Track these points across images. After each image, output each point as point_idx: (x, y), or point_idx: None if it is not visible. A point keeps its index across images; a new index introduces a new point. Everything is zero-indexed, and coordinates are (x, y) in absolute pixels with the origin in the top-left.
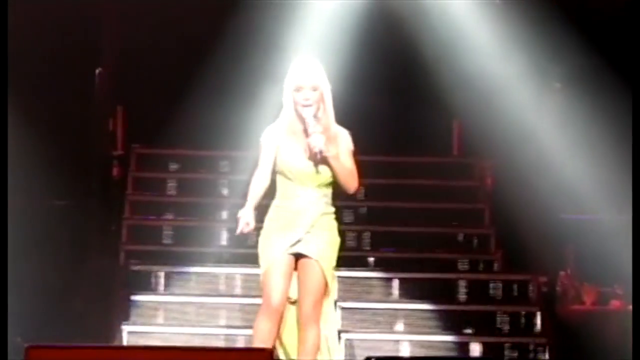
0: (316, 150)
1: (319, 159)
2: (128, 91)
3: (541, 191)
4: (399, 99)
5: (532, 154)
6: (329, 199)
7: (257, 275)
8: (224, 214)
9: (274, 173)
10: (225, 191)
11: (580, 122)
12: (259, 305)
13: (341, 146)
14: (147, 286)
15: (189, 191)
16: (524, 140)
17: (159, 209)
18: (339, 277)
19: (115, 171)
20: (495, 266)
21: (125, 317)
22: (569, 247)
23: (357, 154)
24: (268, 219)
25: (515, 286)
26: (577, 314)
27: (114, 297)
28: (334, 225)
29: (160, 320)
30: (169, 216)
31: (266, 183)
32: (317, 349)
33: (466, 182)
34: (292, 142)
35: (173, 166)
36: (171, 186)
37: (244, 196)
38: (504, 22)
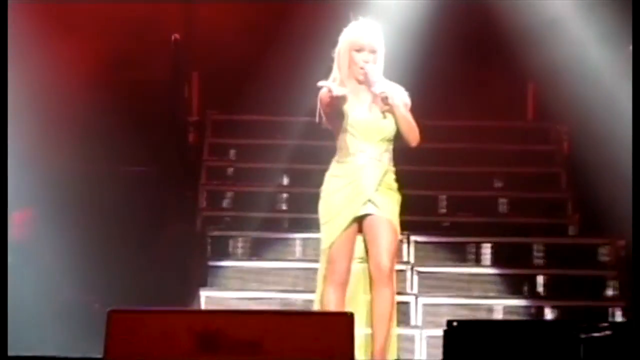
0: (383, 96)
1: (384, 108)
2: (203, 57)
3: (618, 155)
4: (472, 61)
5: (608, 118)
6: (391, 155)
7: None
8: (300, 180)
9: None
10: (300, 158)
11: None
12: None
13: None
14: (225, 252)
15: (264, 157)
16: (600, 103)
17: (234, 175)
18: (415, 241)
19: (191, 137)
20: (573, 230)
21: (203, 282)
22: None
23: (432, 117)
24: (330, 176)
25: (593, 250)
26: None
27: (192, 262)
28: (395, 184)
29: (237, 285)
30: (244, 182)
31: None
32: (395, 310)
33: (542, 146)
34: (354, 95)
35: (248, 133)
36: (246, 152)
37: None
38: None
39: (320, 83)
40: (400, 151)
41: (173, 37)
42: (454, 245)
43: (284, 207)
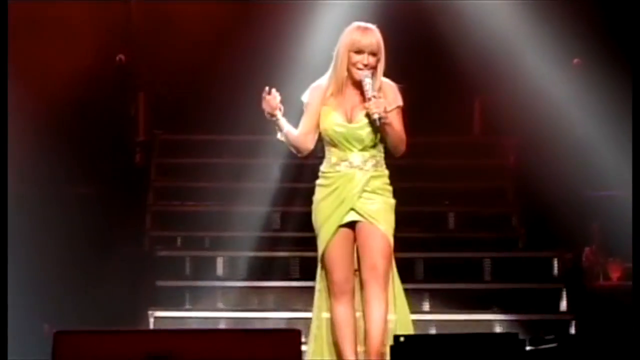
0: (376, 117)
1: (375, 125)
2: (149, 77)
3: (565, 168)
4: (418, 79)
5: (555, 131)
6: (378, 160)
7: (283, 258)
8: (248, 198)
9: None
10: (246, 176)
11: (603, 98)
12: (284, 288)
13: (390, 101)
14: (173, 272)
15: (211, 177)
16: (546, 117)
17: (182, 194)
18: None
19: (138, 157)
20: (520, 244)
21: (151, 302)
22: (594, 223)
23: None
24: (317, 185)
25: (540, 263)
26: (603, 289)
27: (140, 283)
28: (386, 187)
29: (186, 305)
30: (192, 202)
31: (304, 141)
32: (386, 325)
33: (489, 160)
34: (337, 104)
35: (195, 152)
36: (193, 172)
37: (266, 180)
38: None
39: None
40: None
41: (118, 58)
42: (402, 261)
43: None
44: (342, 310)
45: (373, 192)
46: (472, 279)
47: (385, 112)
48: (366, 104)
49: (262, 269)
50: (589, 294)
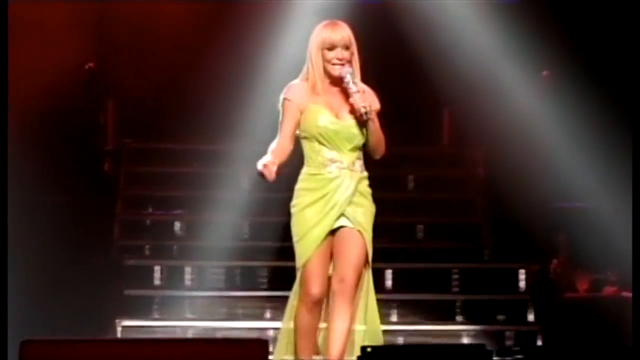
0: (363, 111)
1: (361, 121)
2: (118, 86)
3: (533, 180)
4: (387, 89)
5: (524, 143)
6: (362, 161)
7: (250, 268)
8: (218, 207)
9: (297, 139)
10: (215, 185)
11: (571, 109)
12: (252, 298)
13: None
14: (141, 281)
15: (180, 186)
16: (515, 129)
17: (151, 203)
18: None
19: (106, 166)
20: (488, 255)
21: (119, 311)
22: (561, 235)
23: None
24: (301, 189)
25: (508, 275)
26: (571, 301)
27: (108, 291)
28: (369, 191)
29: (154, 314)
30: (161, 211)
31: (288, 148)
32: (349, 337)
33: (457, 171)
34: (320, 103)
35: (164, 161)
36: (162, 181)
37: (235, 190)
38: (492, 11)
39: (260, 165)
40: None
41: (87, 66)
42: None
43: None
44: (309, 319)
45: (361, 195)
46: (440, 290)
47: (370, 107)
48: (351, 99)
49: (231, 279)
50: (556, 306)
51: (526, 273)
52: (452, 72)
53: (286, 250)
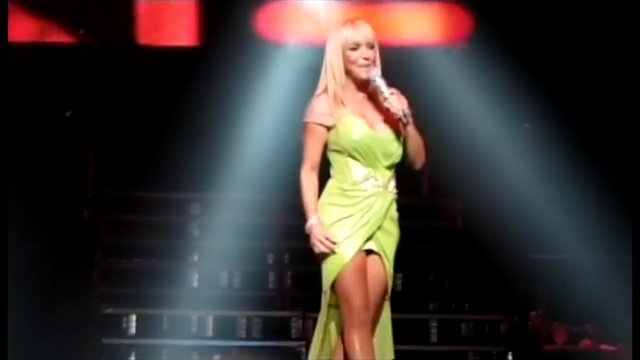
0: (401, 114)
1: (402, 125)
2: (98, 134)
3: (511, 231)
4: None
5: (502, 195)
6: (394, 182)
7: (227, 317)
8: (195, 257)
9: (328, 154)
10: (196, 234)
11: (549, 163)
12: (232, 347)
13: None
14: (120, 329)
15: (160, 234)
16: (494, 181)
17: (130, 252)
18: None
19: (86, 214)
20: (467, 306)
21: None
22: (540, 287)
23: None
24: (329, 204)
25: (487, 326)
26: (549, 353)
27: (87, 340)
28: (397, 215)
29: None
30: (141, 259)
31: (316, 180)
32: None
33: (437, 222)
34: (354, 114)
35: (144, 209)
36: (143, 229)
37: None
38: (472, 64)
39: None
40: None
41: (67, 113)
42: None
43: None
44: (363, 342)
45: (392, 219)
46: (418, 341)
47: (408, 115)
48: (386, 104)
49: (210, 328)
50: (535, 358)
51: (505, 324)
52: (432, 123)
53: (265, 300)
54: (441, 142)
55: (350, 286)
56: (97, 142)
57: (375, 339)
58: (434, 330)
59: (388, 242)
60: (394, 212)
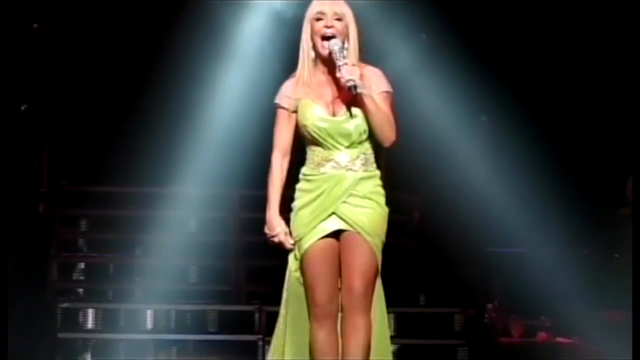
0: (350, 84)
1: (361, 105)
2: (53, 128)
3: (467, 225)
4: None
5: (458, 188)
6: (367, 158)
7: (184, 311)
8: (152, 251)
9: (298, 139)
10: (152, 228)
11: (506, 156)
12: (188, 342)
13: (374, 87)
14: (76, 324)
15: (116, 228)
16: (450, 174)
17: (86, 246)
18: (267, 311)
19: (41, 208)
20: (423, 299)
21: (53, 354)
22: (496, 280)
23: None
24: (299, 190)
25: (442, 319)
26: (505, 346)
27: (42, 334)
28: (378, 191)
29: (88, 358)
30: (97, 254)
31: (286, 166)
32: (369, 348)
33: (393, 216)
34: (315, 95)
35: (100, 204)
36: (99, 224)
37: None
38: (429, 56)
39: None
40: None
41: (23, 107)
42: None
43: (136, 279)
44: (325, 336)
45: (365, 197)
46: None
47: (360, 79)
48: (337, 74)
49: (167, 322)
50: (491, 351)
51: (461, 317)
52: None
53: (222, 294)
54: (397, 135)
55: (313, 277)
56: (52, 136)
57: (372, 338)
58: (390, 323)
59: (361, 214)
60: (367, 189)
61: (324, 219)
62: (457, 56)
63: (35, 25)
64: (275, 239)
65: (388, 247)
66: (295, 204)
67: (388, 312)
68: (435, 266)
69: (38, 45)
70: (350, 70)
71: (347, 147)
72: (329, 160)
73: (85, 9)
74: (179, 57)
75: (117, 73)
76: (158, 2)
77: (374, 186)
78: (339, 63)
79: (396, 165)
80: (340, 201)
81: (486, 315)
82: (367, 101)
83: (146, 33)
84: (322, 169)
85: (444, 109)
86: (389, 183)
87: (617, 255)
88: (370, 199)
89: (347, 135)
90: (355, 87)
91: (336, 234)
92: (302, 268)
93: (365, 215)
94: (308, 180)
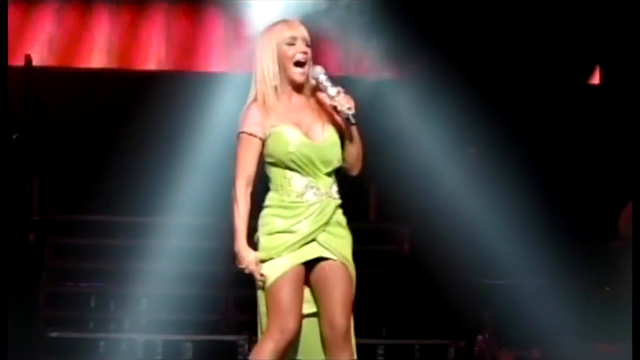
0: (349, 113)
1: (339, 132)
2: (44, 157)
3: (458, 256)
4: None
5: (449, 219)
6: (336, 185)
7: (173, 341)
8: (141, 281)
9: (265, 167)
10: (142, 257)
11: (496, 187)
12: None
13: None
14: (65, 354)
15: (105, 258)
16: (440, 205)
17: (76, 275)
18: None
19: (31, 237)
20: (414, 331)
21: None
22: (486, 311)
23: None
24: (272, 215)
25: (434, 351)
26: None
27: None
28: (344, 218)
29: None
30: (86, 283)
31: (249, 195)
32: None
33: (383, 247)
34: (291, 121)
35: (90, 232)
36: (88, 252)
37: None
38: (419, 89)
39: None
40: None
41: (14, 136)
42: None
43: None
44: (275, 357)
45: (339, 225)
46: None
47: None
48: (332, 102)
49: (156, 352)
50: None
51: (452, 349)
52: (378, 148)
53: (211, 324)
54: (387, 166)
55: (286, 303)
56: (43, 165)
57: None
58: (380, 354)
59: (342, 245)
60: (340, 217)
61: (304, 245)
62: (446, 87)
63: (28, 54)
64: (246, 270)
65: (378, 278)
66: (269, 228)
67: (379, 344)
68: (426, 297)
69: (30, 75)
70: (348, 99)
71: (325, 174)
72: (309, 189)
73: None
74: (167, 85)
75: (107, 101)
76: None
77: (342, 214)
78: (331, 92)
79: (386, 196)
80: (322, 228)
81: (476, 347)
82: (354, 130)
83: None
84: (304, 197)
85: (433, 141)
86: (378, 214)
87: (608, 288)
88: (343, 227)
89: (328, 162)
90: (353, 116)
91: (308, 262)
92: (272, 289)
93: (344, 246)
94: (286, 207)
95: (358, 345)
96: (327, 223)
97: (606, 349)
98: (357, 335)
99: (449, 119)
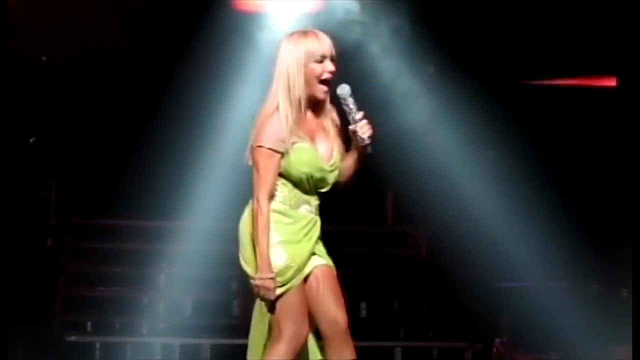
0: (367, 142)
1: (340, 154)
2: (61, 161)
3: (475, 259)
4: None
5: (466, 223)
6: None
7: (192, 345)
8: (159, 285)
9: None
10: (160, 262)
11: (514, 191)
12: None
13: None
14: (83, 358)
15: (123, 262)
16: (458, 208)
17: (93, 279)
18: None
19: (49, 242)
20: (432, 334)
21: None
22: (504, 314)
23: None
24: (280, 223)
25: (451, 353)
26: None
27: None
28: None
29: None
30: (104, 287)
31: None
32: None
33: (401, 250)
34: (306, 140)
35: (108, 237)
36: (106, 257)
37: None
38: (436, 91)
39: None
40: None
41: (31, 140)
42: None
43: (144, 312)
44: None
45: (320, 242)
46: None
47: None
48: (355, 127)
49: (174, 356)
50: None
51: (470, 352)
52: (396, 153)
53: (229, 328)
54: (405, 170)
55: (300, 311)
56: (61, 169)
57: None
58: (398, 357)
59: (324, 250)
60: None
61: (310, 258)
62: (465, 91)
63: (44, 58)
64: (267, 283)
65: (396, 281)
66: (275, 237)
67: (397, 347)
68: (443, 300)
69: (47, 78)
70: (369, 128)
71: (318, 194)
72: (304, 202)
73: (92, 43)
74: (187, 88)
75: (126, 105)
76: (168, 30)
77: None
78: (356, 115)
79: (403, 199)
80: (316, 242)
81: (494, 350)
82: (363, 155)
83: (155, 62)
84: (298, 210)
85: (452, 144)
86: (396, 218)
87: (626, 291)
88: (322, 244)
89: (326, 184)
90: (370, 145)
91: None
92: (286, 298)
93: (325, 251)
94: (287, 215)
95: (376, 348)
96: (319, 235)
97: (623, 352)
98: (375, 338)
99: (467, 121)
